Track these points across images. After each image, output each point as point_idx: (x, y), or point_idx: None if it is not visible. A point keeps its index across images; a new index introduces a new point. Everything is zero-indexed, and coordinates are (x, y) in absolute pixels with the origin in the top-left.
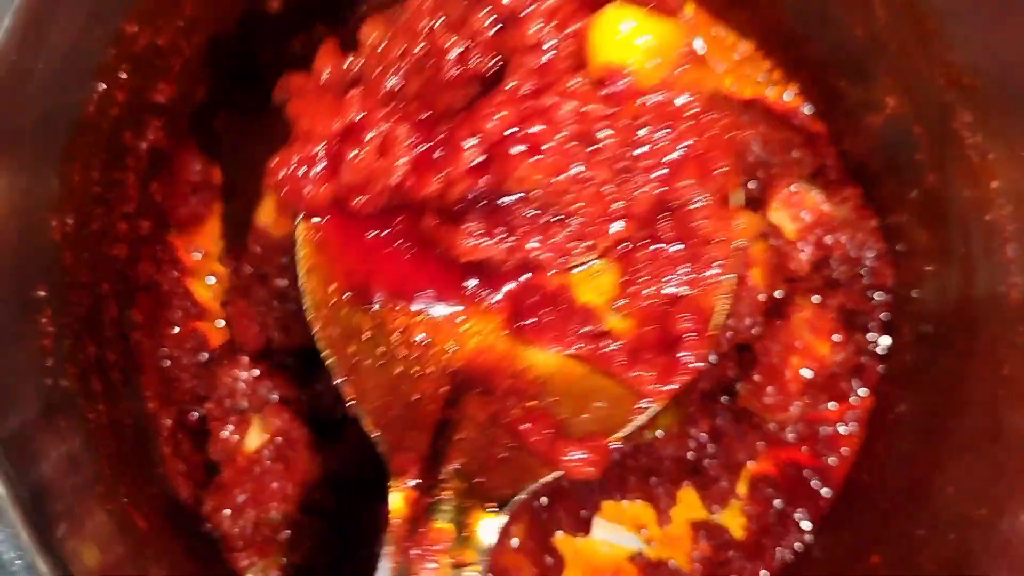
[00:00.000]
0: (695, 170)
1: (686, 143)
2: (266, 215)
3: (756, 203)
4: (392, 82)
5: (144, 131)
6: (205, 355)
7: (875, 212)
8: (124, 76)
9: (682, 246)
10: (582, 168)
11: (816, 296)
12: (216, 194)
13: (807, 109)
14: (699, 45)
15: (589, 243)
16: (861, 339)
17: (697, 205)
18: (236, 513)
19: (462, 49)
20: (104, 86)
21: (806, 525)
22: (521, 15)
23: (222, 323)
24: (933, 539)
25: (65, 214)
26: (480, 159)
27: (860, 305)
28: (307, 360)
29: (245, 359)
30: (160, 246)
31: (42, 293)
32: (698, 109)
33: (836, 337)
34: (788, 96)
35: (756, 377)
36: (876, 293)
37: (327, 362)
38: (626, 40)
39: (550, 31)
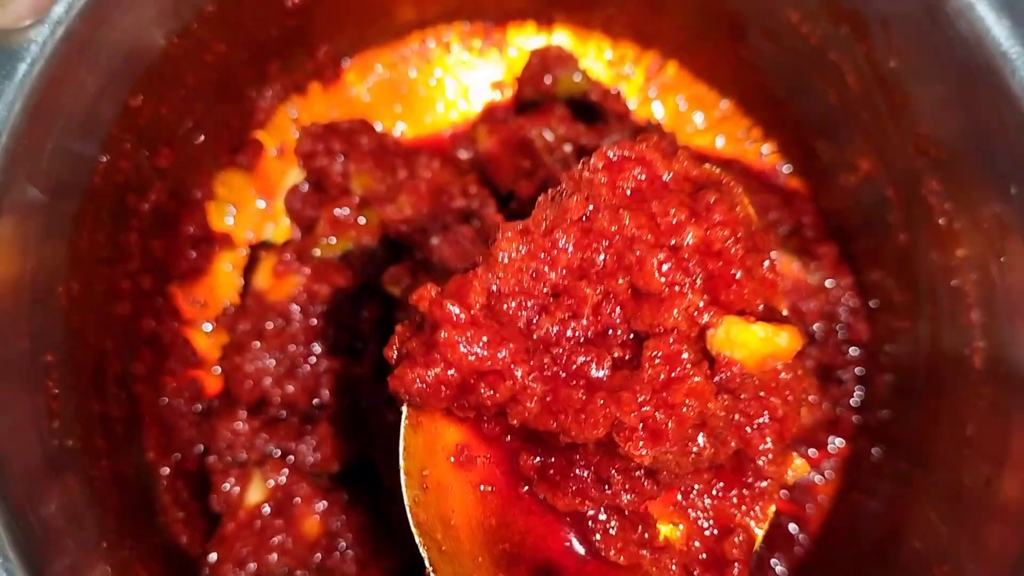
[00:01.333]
0: (775, 431)
1: (770, 410)
2: (263, 279)
3: None
4: (524, 322)
5: (147, 193)
6: (202, 405)
7: (850, 269)
8: (128, 146)
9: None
10: (690, 447)
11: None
12: (215, 247)
13: (785, 168)
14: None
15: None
16: (837, 392)
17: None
18: (238, 566)
19: (598, 299)
20: (107, 158)
21: (782, 572)
22: (662, 296)
23: (219, 369)
24: None
25: (71, 280)
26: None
27: (835, 359)
28: (303, 415)
29: (242, 412)
30: (161, 298)
31: (50, 358)
32: (786, 378)
33: (812, 398)
34: (766, 153)
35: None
36: (851, 348)
37: (420, 548)
38: (746, 343)
39: (686, 320)
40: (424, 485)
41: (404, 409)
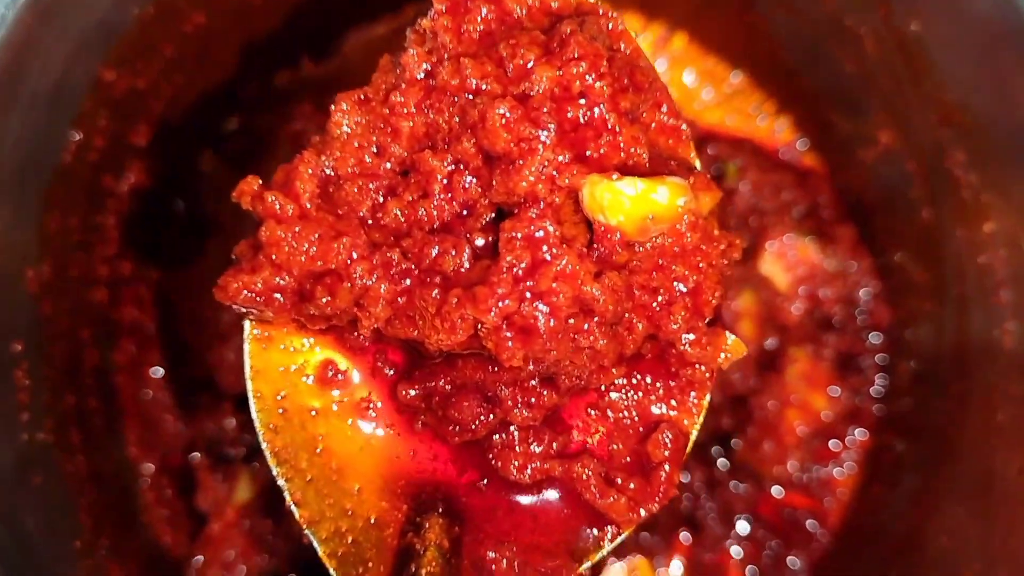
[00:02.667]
0: (687, 306)
1: (680, 282)
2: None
3: (747, 253)
4: (369, 210)
5: (124, 174)
6: (189, 397)
7: (870, 251)
8: (103, 122)
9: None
10: (578, 340)
11: (810, 345)
12: (202, 233)
13: (800, 144)
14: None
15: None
16: (857, 381)
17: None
18: (226, 570)
19: (451, 169)
20: (80, 135)
21: (801, 569)
22: (517, 162)
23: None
24: None
25: (42, 263)
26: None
27: (856, 347)
28: None
29: (228, 405)
30: (144, 286)
31: (18, 347)
32: (693, 242)
33: (832, 390)
34: (780, 129)
35: (751, 432)
36: (872, 334)
37: (278, 482)
38: (616, 206)
39: (545, 185)
40: (281, 409)
41: (246, 324)
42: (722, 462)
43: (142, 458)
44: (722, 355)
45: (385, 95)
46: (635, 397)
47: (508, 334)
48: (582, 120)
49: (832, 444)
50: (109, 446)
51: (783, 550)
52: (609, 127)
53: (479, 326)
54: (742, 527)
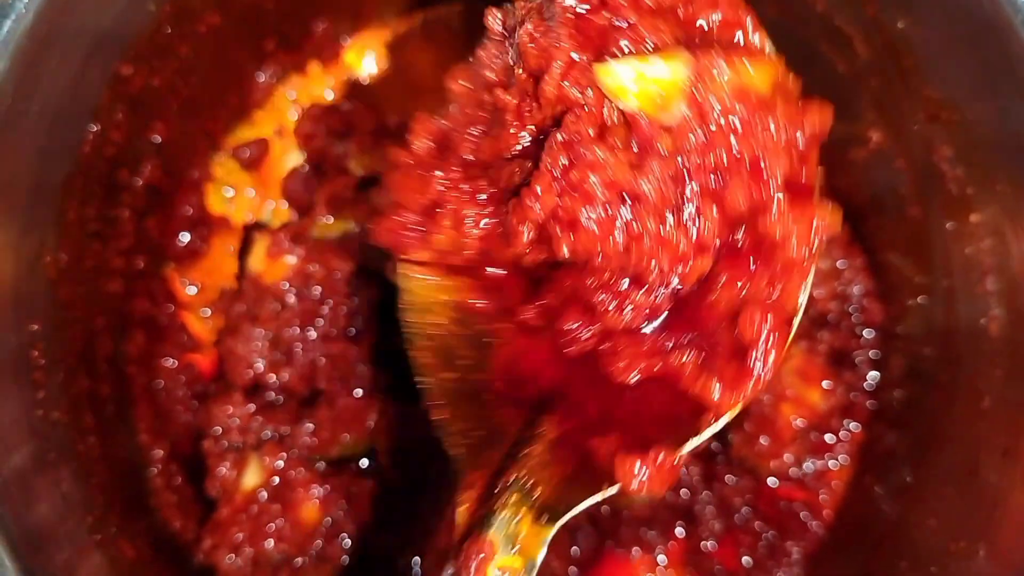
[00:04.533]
0: (746, 180)
1: (734, 154)
2: (257, 262)
3: None
4: (469, 150)
5: (140, 169)
6: (199, 388)
7: (862, 249)
8: (120, 116)
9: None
10: (632, 224)
11: (804, 341)
12: (212, 230)
13: None
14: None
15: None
16: (851, 376)
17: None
18: (234, 552)
19: (516, 103)
20: (98, 127)
21: (796, 558)
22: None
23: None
24: (915, 570)
25: (60, 251)
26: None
27: (849, 343)
28: (301, 399)
29: (238, 396)
30: (156, 281)
31: (35, 327)
32: (740, 115)
33: (826, 384)
34: None
35: (747, 427)
36: (865, 330)
37: (420, 385)
38: (623, 87)
39: (572, 86)
40: (428, 333)
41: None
42: (720, 457)
43: (152, 444)
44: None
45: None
46: (734, 288)
47: (558, 229)
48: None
49: (827, 438)
50: (120, 431)
51: (779, 541)
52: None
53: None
54: (738, 519)
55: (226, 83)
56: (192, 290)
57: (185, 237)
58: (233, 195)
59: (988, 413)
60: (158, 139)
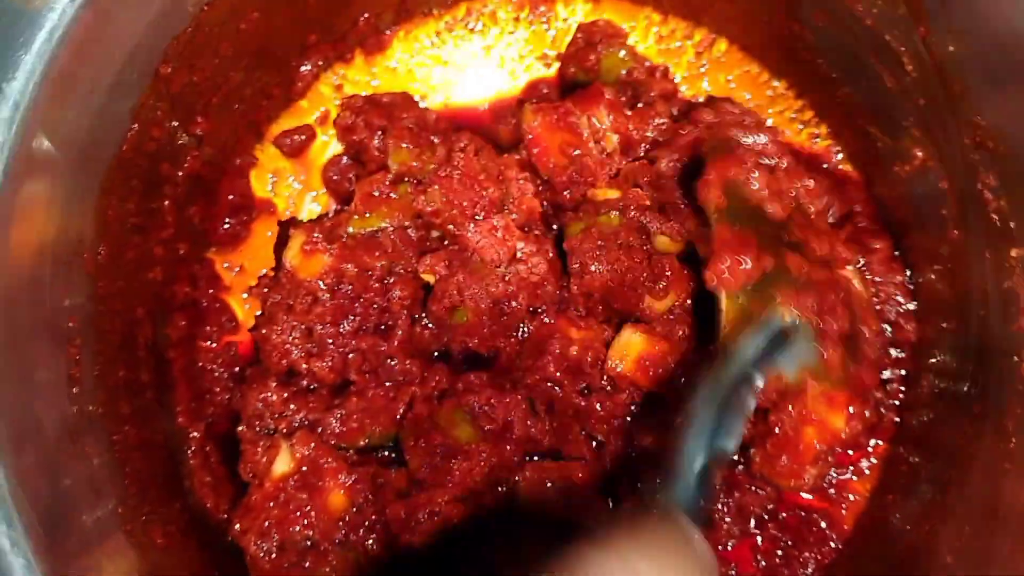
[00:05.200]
0: None
1: None
2: (292, 257)
3: None
4: None
5: (182, 161)
6: (237, 369)
7: (902, 266)
8: (159, 114)
9: None
10: None
11: None
12: (255, 215)
13: (838, 154)
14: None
15: None
16: (879, 393)
17: None
18: (262, 537)
19: None
20: (137, 126)
21: (812, 568)
22: None
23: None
24: None
25: (99, 246)
26: None
27: (880, 361)
28: (332, 388)
29: (272, 382)
30: (198, 265)
31: (72, 324)
32: None
33: (852, 409)
34: (818, 136)
35: (769, 447)
36: (898, 349)
37: None
38: None
39: None
40: None
41: None
42: (741, 468)
43: (190, 426)
44: None
45: None
46: None
47: None
48: None
49: (850, 451)
50: (159, 416)
51: (795, 549)
52: None
53: None
54: (756, 524)
55: (268, 76)
56: (233, 273)
57: (228, 224)
58: (276, 181)
59: (1014, 455)
60: (199, 132)
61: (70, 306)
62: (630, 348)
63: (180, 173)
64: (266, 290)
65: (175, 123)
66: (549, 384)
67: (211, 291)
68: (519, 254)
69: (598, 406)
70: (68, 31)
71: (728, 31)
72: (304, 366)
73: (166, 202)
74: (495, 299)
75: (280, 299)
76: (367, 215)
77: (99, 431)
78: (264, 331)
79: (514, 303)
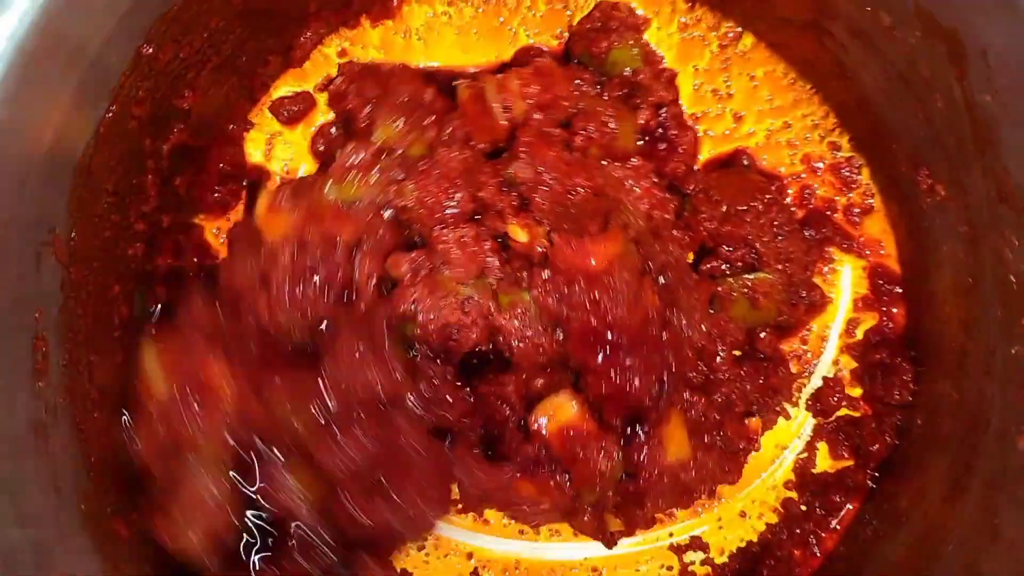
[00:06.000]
0: None
1: None
2: (260, 214)
3: None
4: None
5: (167, 135)
6: None
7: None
8: (141, 94)
9: None
10: None
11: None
12: (245, 180)
13: (859, 169)
14: None
15: None
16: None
17: None
18: None
19: None
20: (116, 107)
21: None
22: None
23: None
24: None
25: (71, 232)
26: None
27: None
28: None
29: None
30: (183, 235)
31: (37, 316)
32: None
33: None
34: (839, 151)
35: None
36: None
37: None
38: None
39: None
40: None
41: None
42: None
43: None
44: None
45: None
46: None
47: None
48: None
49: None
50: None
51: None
52: None
53: None
54: None
55: (265, 44)
56: (221, 239)
57: (217, 192)
58: (271, 148)
59: (996, 532)
60: (187, 106)
61: (38, 296)
62: (560, 412)
63: (165, 147)
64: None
65: (159, 99)
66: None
67: (195, 259)
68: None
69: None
70: (41, 12)
71: (756, 27)
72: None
73: (149, 176)
74: (445, 324)
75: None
76: (342, 184)
77: (63, 424)
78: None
79: (464, 335)
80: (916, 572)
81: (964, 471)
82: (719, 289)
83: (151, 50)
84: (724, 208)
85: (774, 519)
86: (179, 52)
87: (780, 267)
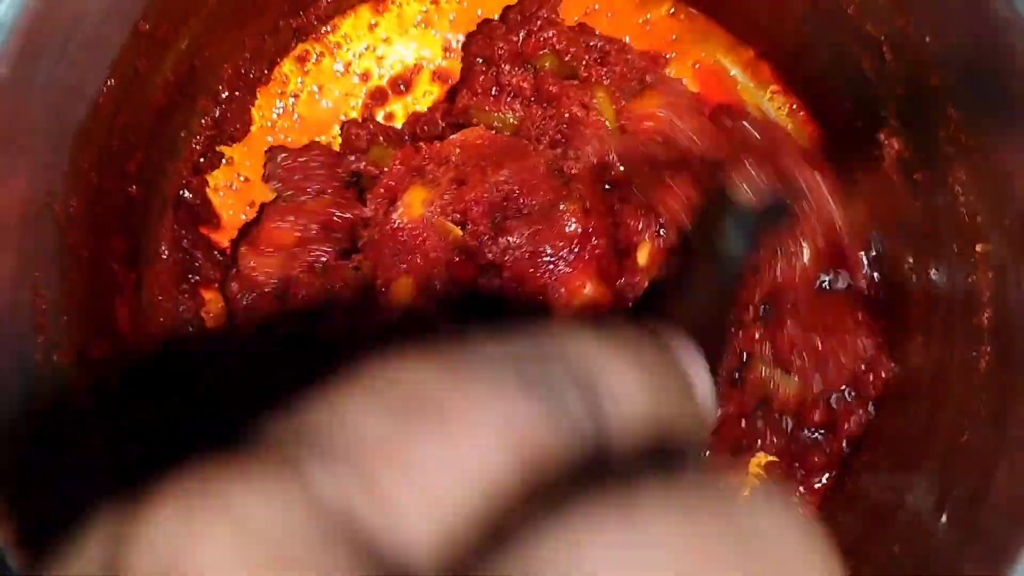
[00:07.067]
0: None
1: None
2: None
3: None
4: None
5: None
6: None
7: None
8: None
9: None
10: None
11: None
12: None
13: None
14: None
15: None
16: None
17: None
18: None
19: None
20: (114, 81)
21: None
22: None
23: None
24: None
25: (70, 200)
26: None
27: None
28: None
29: None
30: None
31: (37, 273)
32: None
33: None
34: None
35: None
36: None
37: None
38: None
39: None
40: None
41: None
42: None
43: None
44: None
45: None
46: None
47: None
48: None
49: None
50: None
51: None
52: None
53: None
54: None
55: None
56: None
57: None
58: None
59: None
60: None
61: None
62: None
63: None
64: None
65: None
66: None
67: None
68: None
69: None
70: None
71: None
72: None
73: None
74: None
75: None
76: None
77: (62, 381)
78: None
79: None
80: None
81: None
82: None
83: (147, 27)
84: None
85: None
86: (178, 29)
87: None
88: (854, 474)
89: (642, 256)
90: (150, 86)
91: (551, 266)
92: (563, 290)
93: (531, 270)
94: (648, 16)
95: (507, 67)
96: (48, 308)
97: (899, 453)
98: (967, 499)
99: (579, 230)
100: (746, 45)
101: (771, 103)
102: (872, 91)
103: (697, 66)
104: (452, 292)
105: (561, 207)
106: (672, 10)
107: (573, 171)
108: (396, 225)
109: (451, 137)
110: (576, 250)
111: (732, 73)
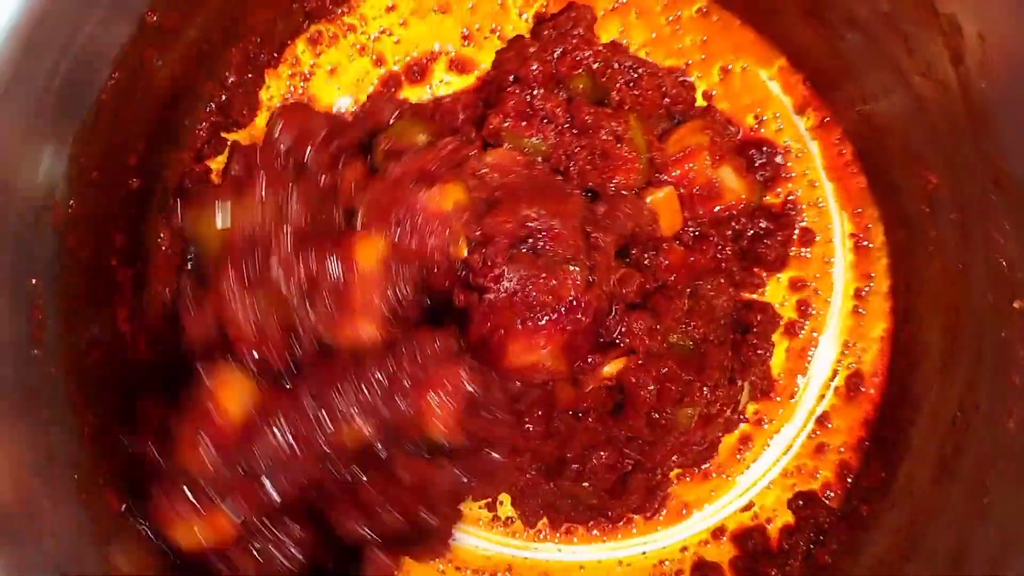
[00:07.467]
0: None
1: None
2: None
3: None
4: None
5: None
6: None
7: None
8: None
9: None
10: None
11: None
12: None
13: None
14: None
15: None
16: None
17: None
18: None
19: None
20: (118, 74)
21: None
22: None
23: None
24: None
25: (69, 199)
26: None
27: None
28: None
29: None
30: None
31: (34, 282)
32: None
33: None
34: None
35: None
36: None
37: None
38: None
39: None
40: None
41: None
42: None
43: None
44: None
45: None
46: None
47: None
48: None
49: None
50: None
51: None
52: None
53: None
54: None
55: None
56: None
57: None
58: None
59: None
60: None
61: (34, 263)
62: None
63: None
64: None
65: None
66: None
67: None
68: None
69: None
70: None
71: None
72: None
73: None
74: None
75: None
76: None
77: (57, 394)
78: None
79: None
80: (904, 554)
81: (953, 453)
82: None
83: (155, 18)
84: None
85: None
86: (180, 22)
87: None
88: None
89: (611, 366)
90: (155, 77)
91: (528, 312)
92: (520, 342)
93: (507, 310)
94: (679, 14)
95: (540, 91)
96: (48, 308)
97: None
98: None
99: (572, 299)
100: (779, 52)
101: (803, 118)
102: (915, 121)
103: (726, 70)
104: (417, 290)
105: (570, 268)
106: (704, 8)
107: (600, 242)
108: (418, 199)
109: (485, 157)
110: (558, 313)
111: (762, 78)
